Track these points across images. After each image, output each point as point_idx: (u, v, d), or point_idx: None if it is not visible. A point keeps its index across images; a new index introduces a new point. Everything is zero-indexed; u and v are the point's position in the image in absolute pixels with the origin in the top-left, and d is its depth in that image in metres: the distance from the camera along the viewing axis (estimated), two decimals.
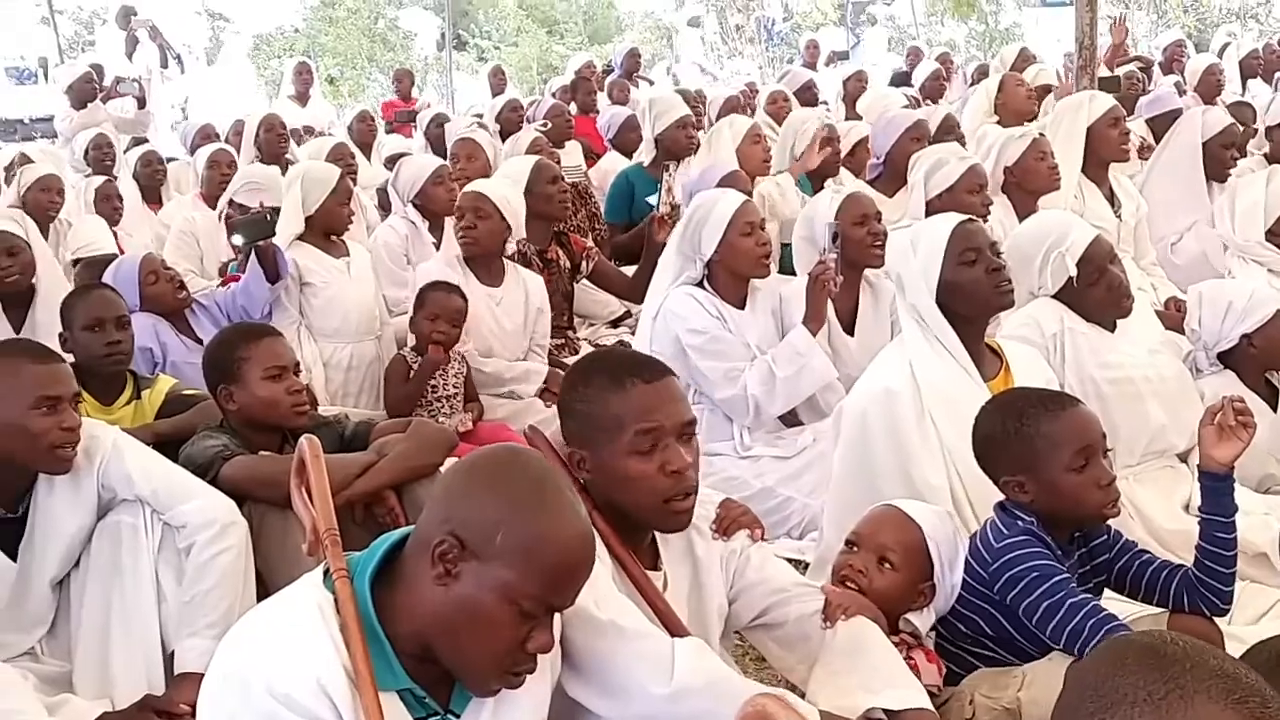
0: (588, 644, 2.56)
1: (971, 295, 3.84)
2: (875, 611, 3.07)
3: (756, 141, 7.68)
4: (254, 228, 5.64)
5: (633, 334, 6.83)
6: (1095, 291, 4.22)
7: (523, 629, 2.26)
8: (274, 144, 9.09)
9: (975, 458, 3.35)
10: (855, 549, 3.31)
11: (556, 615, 2.41)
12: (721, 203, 5.01)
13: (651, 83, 14.68)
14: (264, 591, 3.57)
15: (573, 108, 11.38)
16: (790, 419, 5.03)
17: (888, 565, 3.25)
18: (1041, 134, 6.39)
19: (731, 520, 3.08)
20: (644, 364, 2.96)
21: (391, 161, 8.77)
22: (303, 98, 13.14)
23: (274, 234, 5.68)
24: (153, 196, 9.08)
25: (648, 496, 2.79)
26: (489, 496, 2.27)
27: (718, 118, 9.41)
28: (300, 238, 5.98)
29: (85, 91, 11.81)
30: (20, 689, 3.18)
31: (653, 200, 7.94)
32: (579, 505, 2.34)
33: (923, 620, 3.28)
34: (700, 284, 5.04)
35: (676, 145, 8.15)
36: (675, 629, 2.73)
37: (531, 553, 2.23)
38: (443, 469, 3.89)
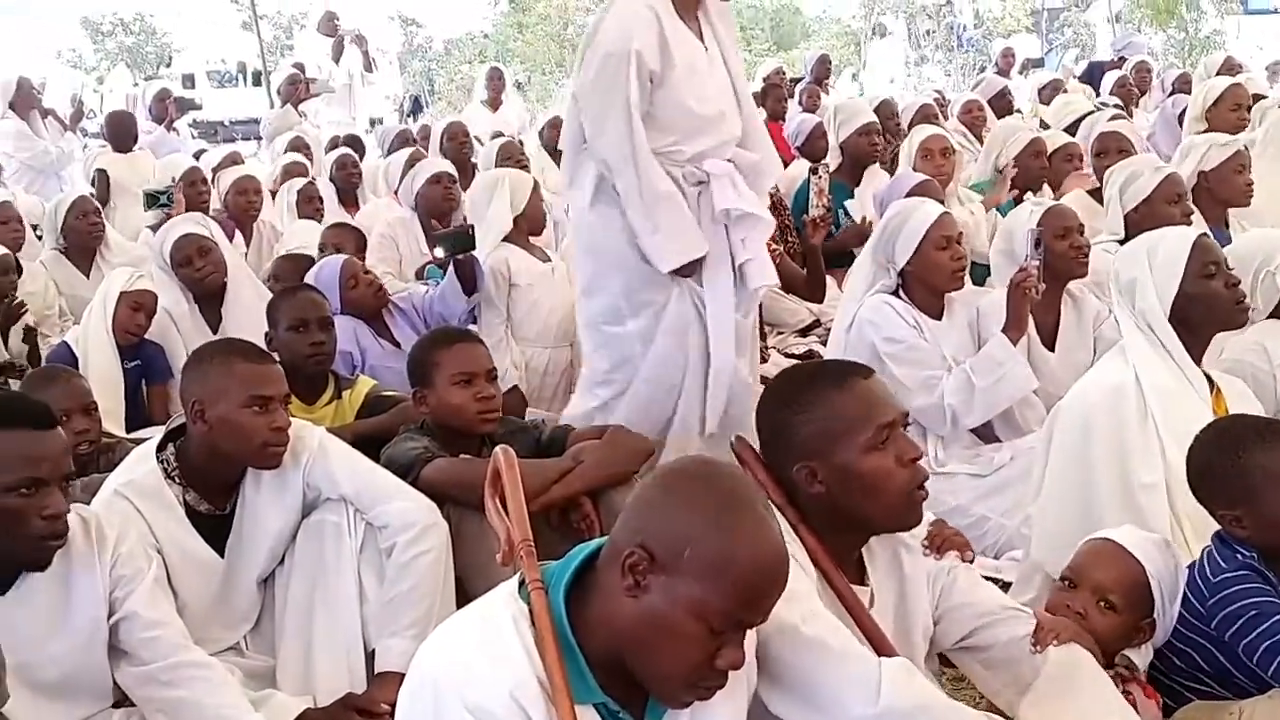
0: (792, 660, 2.53)
1: (1210, 308, 3.75)
2: (1088, 639, 2.98)
3: (926, 157, 7.49)
4: (455, 240, 5.73)
5: (822, 343, 6.81)
6: None
7: (712, 645, 2.24)
8: (457, 150, 9.29)
9: (1191, 489, 3.24)
10: (1072, 586, 3.20)
11: (753, 630, 2.39)
12: (918, 213, 4.93)
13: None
14: (461, 593, 3.62)
15: (761, 114, 11.32)
16: (987, 435, 4.94)
17: (1107, 606, 3.14)
18: (1245, 147, 6.16)
19: (944, 539, 3.03)
20: (852, 364, 2.94)
21: None
22: (494, 103, 13.29)
23: (474, 247, 5.75)
24: (349, 199, 9.26)
25: (892, 492, 2.74)
26: (680, 510, 2.26)
27: (909, 127, 9.26)
28: (506, 239, 6.05)
29: (289, 93, 12.19)
30: (229, 685, 3.25)
31: (849, 206, 7.82)
32: (773, 522, 2.31)
33: (1141, 657, 3.16)
34: (895, 292, 4.98)
35: (860, 152, 8.01)
36: (882, 647, 2.68)
37: (720, 570, 2.21)
38: (638, 476, 3.91)
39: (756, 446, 2.90)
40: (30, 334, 6.44)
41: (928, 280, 4.91)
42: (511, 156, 8.62)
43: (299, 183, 8.56)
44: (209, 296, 5.83)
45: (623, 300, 4.47)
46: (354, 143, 11.07)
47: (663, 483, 2.36)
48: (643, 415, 4.54)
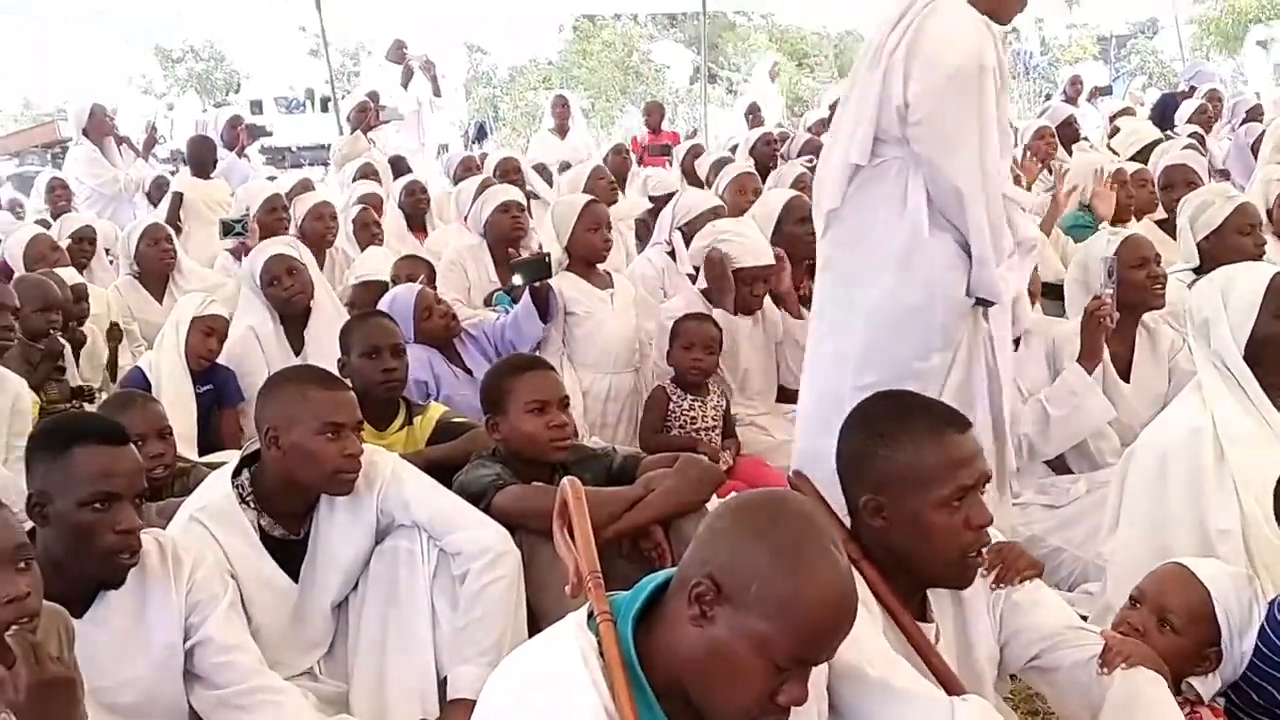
0: (859, 703, 2.52)
1: None
2: (1157, 661, 2.92)
3: None
4: (533, 269, 5.78)
5: None
6: None
7: (774, 680, 2.22)
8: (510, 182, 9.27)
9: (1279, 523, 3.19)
10: (1137, 605, 3.18)
11: (820, 668, 2.36)
12: None
13: None
14: (533, 619, 3.62)
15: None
16: (1060, 467, 4.89)
17: (1168, 627, 3.10)
18: None
19: (1008, 568, 2.98)
20: (953, 413, 2.87)
21: (661, 197, 8.79)
22: (561, 130, 13.34)
23: (550, 274, 5.81)
24: (417, 225, 9.31)
25: (947, 551, 2.73)
26: (749, 544, 2.25)
27: None
28: (567, 268, 6.06)
29: (358, 120, 12.30)
30: (304, 710, 3.28)
31: None
32: (842, 561, 2.28)
33: (1205, 686, 3.11)
34: None
35: None
36: (951, 685, 2.65)
37: (786, 608, 2.19)
38: (709, 505, 3.90)
39: None
40: (112, 362, 6.54)
41: None
42: (605, 178, 8.87)
43: (355, 209, 8.63)
44: (294, 318, 5.92)
45: (939, 335, 4.08)
46: (399, 164, 11.13)
47: (733, 514, 2.35)
48: None
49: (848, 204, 4.16)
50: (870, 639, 2.53)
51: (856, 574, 2.60)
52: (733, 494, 4.45)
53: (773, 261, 5.92)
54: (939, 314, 4.05)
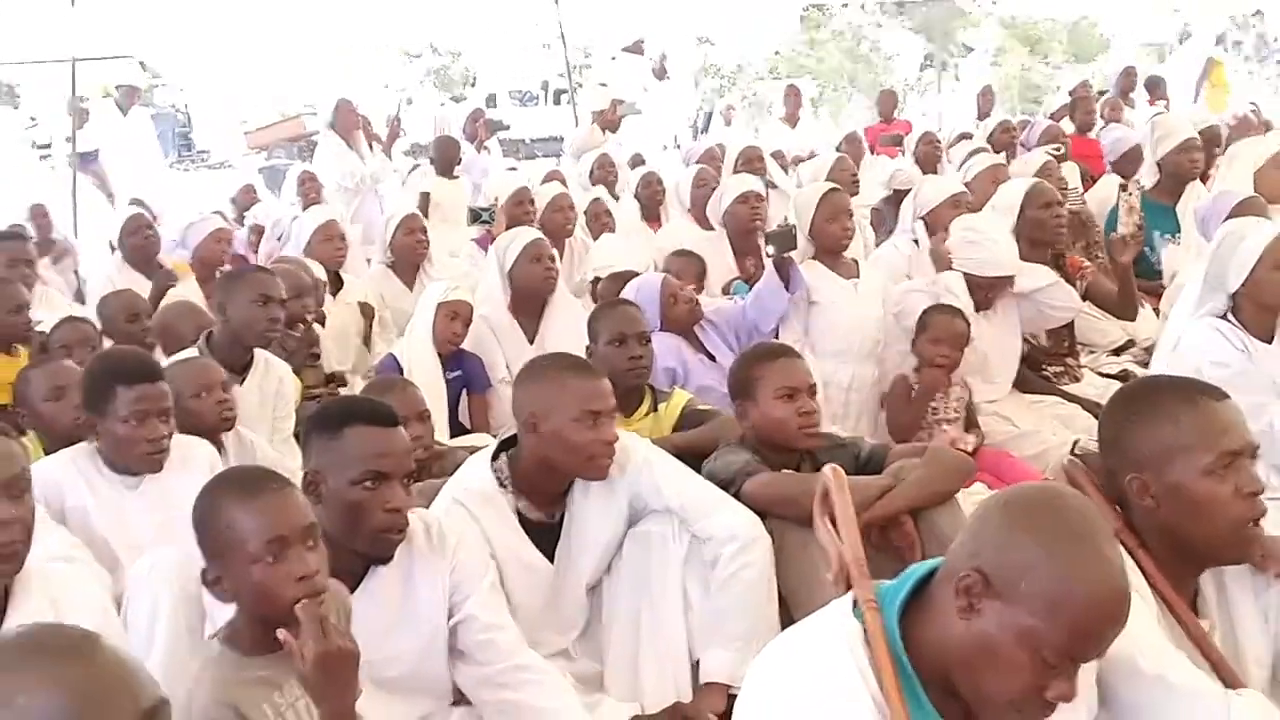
0: (1131, 697, 2.47)
1: None
2: None
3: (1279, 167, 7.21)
4: (782, 239, 5.79)
5: (1138, 363, 6.61)
6: None
7: (1042, 676, 2.20)
8: (752, 170, 9.27)
9: None
10: None
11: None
12: (1254, 234, 4.73)
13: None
14: (783, 606, 3.64)
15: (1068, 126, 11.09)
16: None
17: None
18: None
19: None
20: (1208, 385, 2.81)
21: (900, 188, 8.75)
22: (792, 119, 13.30)
23: (796, 246, 5.81)
24: (652, 215, 9.40)
25: (1221, 522, 2.66)
26: (1020, 537, 2.22)
27: (1227, 141, 8.92)
28: (813, 257, 6.05)
29: (598, 115, 12.47)
30: (564, 689, 3.37)
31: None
32: (1117, 559, 2.24)
33: None
34: (1224, 316, 4.80)
35: (1180, 169, 7.75)
36: (1230, 679, 2.59)
37: (1057, 604, 2.16)
38: (959, 496, 3.88)
39: None
40: (367, 339, 6.79)
41: (1264, 301, 4.71)
42: (847, 169, 8.87)
43: (584, 201, 8.74)
44: (529, 306, 6.05)
45: None
46: (636, 157, 11.18)
47: (1003, 507, 2.32)
48: None
49: None
50: (1144, 630, 2.48)
51: (1132, 562, 2.58)
52: (978, 484, 4.46)
53: (1015, 273, 5.83)
54: None
